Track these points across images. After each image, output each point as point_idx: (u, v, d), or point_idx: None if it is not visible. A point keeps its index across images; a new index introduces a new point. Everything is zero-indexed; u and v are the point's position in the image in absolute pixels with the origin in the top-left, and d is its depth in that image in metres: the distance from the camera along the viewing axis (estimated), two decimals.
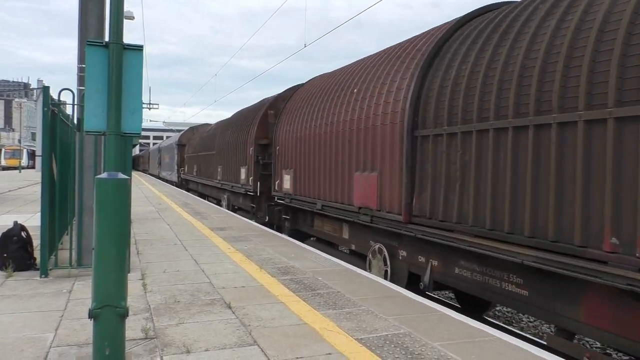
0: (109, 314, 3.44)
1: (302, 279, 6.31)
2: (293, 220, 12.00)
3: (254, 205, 14.25)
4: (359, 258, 8.78)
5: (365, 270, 8.05)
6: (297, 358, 3.72)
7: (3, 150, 66.94)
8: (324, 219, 10.13)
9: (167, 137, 57.63)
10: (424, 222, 6.45)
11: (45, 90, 5.91)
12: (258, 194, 13.76)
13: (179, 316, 4.67)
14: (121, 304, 3.49)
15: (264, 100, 16.06)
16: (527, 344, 4.15)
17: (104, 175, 3.49)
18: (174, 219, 12.77)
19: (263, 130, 14.11)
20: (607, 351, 7.07)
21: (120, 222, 3.50)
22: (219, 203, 20.32)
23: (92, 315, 3.43)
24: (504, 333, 4.40)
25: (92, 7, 6.35)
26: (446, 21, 7.78)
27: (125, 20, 24.80)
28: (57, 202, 6.63)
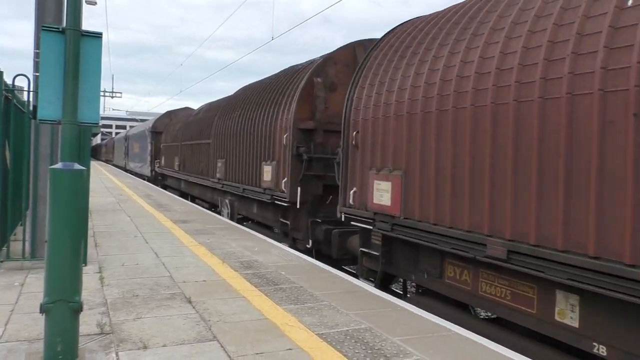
0: (61, 308, 3.34)
1: (265, 273, 6.28)
2: (387, 258, 6.70)
3: (287, 222, 9.69)
4: None
5: None
6: (257, 354, 3.70)
7: None
8: (479, 270, 5.09)
9: (131, 127, 55.14)
10: None
11: None
12: (298, 206, 9.07)
13: (137, 311, 4.57)
14: (75, 298, 3.39)
15: (299, 65, 11.18)
16: (483, 338, 4.24)
17: (58, 165, 3.38)
18: (135, 210, 12.49)
19: (307, 109, 9.29)
20: None
21: (75, 213, 3.39)
22: (214, 209, 15.28)
23: (43, 309, 3.32)
24: (461, 328, 4.49)
25: None
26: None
27: (87, 6, 23.98)
28: (11, 191, 6.38)
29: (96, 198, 15.20)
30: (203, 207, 15.30)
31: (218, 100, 17.30)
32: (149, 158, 26.77)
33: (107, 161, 61.52)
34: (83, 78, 3.44)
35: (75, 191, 3.39)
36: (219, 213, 14.02)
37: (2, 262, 5.99)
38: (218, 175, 13.80)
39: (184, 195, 20.11)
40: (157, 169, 25.20)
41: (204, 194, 16.40)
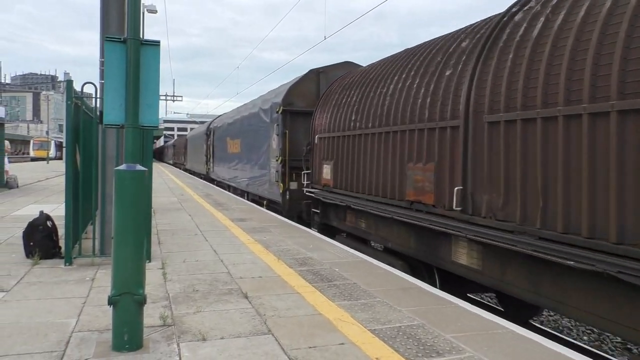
0: (127, 301, 3.56)
1: (319, 270, 6.38)
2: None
3: None
4: None
5: None
6: (311, 347, 3.79)
7: (32, 141, 68.65)
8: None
9: (192, 129, 54.58)
10: None
11: (68, 83, 6.07)
12: None
13: (197, 305, 4.79)
14: (139, 291, 3.60)
15: None
16: (540, 337, 4.14)
17: (122, 166, 3.60)
18: (195, 209, 12.97)
19: None
20: None
21: (138, 212, 3.60)
22: None
23: (111, 302, 3.55)
24: (518, 326, 4.40)
25: (112, 1, 6.47)
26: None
27: (148, 14, 25.10)
28: (81, 192, 6.81)
29: (159, 198, 15.89)
30: None
31: None
32: (275, 165, 12.91)
33: (176, 164, 52.65)
34: (143, 84, 3.66)
35: (137, 190, 3.61)
36: None
37: (74, 258, 6.42)
38: None
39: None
40: (310, 190, 11.13)
41: None
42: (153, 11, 24.07)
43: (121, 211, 3.56)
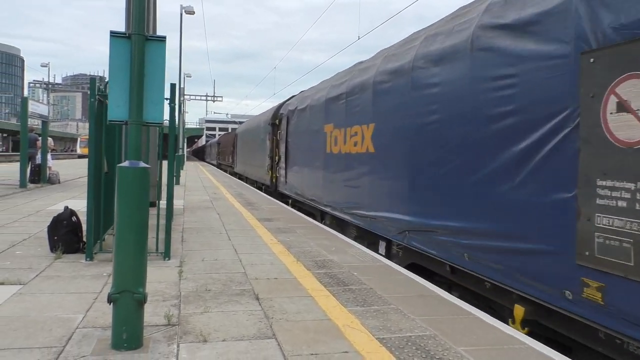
0: (127, 299, 3.52)
1: (336, 273, 6.23)
2: None
3: None
4: None
5: None
6: (312, 354, 3.65)
7: (79, 139, 71.17)
8: None
9: (232, 129, 53.00)
10: None
11: (92, 81, 6.16)
12: None
13: (206, 305, 4.72)
14: (139, 289, 3.56)
15: None
16: (562, 356, 3.86)
17: (125, 163, 3.56)
18: (225, 208, 13.02)
19: None
20: None
21: (139, 209, 3.56)
22: None
23: (110, 299, 3.52)
24: (538, 342, 4.12)
25: None
26: None
27: (186, 15, 25.58)
28: (107, 188, 6.89)
29: (192, 196, 16.07)
30: None
31: None
32: None
33: (221, 166, 44.83)
34: (148, 81, 3.61)
35: (140, 188, 3.56)
36: None
37: (96, 254, 6.50)
38: None
39: None
40: None
41: None
42: (191, 12, 24.47)
43: (123, 208, 3.52)
